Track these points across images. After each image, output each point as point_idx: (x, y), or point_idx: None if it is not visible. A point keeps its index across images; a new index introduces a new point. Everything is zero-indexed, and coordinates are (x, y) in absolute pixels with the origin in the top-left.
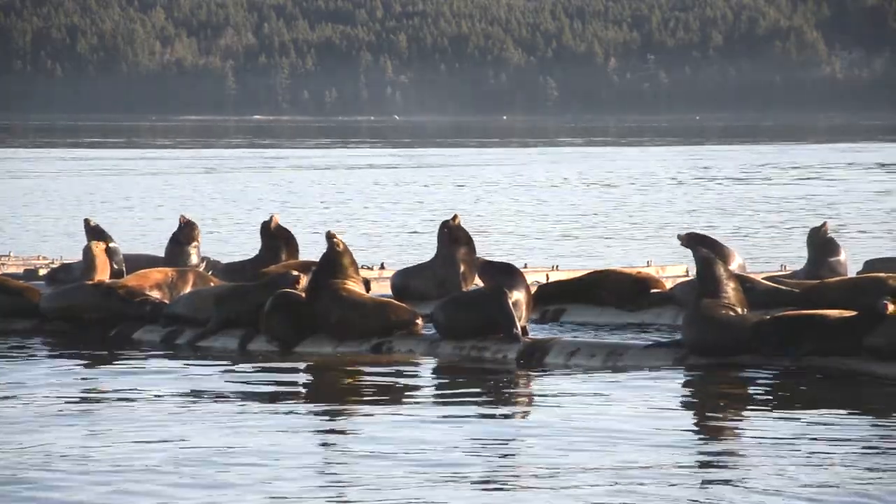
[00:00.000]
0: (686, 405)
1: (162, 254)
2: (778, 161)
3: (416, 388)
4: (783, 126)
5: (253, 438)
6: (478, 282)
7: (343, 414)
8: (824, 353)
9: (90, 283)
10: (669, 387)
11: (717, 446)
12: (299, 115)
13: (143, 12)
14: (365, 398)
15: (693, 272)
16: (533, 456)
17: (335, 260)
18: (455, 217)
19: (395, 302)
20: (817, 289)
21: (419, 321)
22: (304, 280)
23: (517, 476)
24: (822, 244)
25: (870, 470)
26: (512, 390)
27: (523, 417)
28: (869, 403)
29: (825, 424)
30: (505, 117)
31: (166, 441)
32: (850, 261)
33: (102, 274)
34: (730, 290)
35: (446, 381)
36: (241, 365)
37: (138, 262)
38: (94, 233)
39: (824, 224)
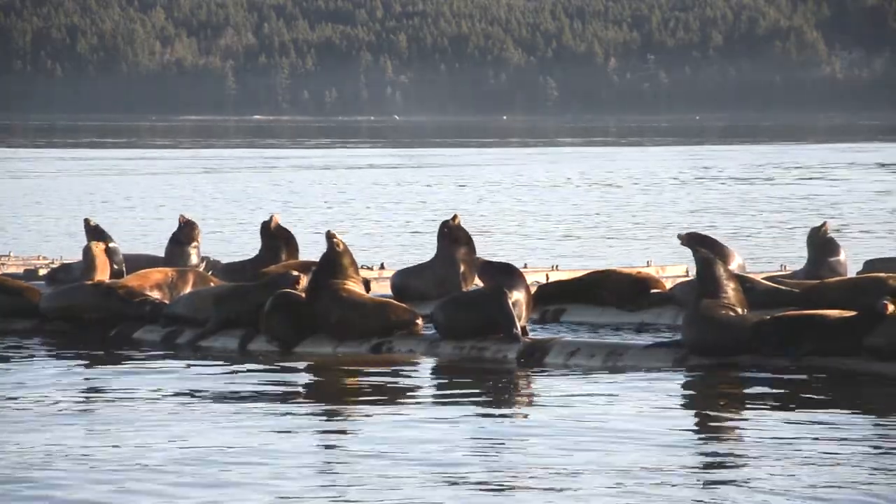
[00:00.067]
0: (686, 405)
1: (162, 254)
2: (778, 161)
3: (416, 388)
4: (783, 126)
5: (253, 438)
6: (478, 282)
7: (343, 414)
8: (824, 353)
9: (90, 283)
10: (669, 387)
11: (718, 446)
12: (299, 115)
13: (143, 12)
14: (365, 398)
15: (693, 272)
16: (533, 456)
17: (335, 260)
18: (455, 217)
19: (395, 302)
20: (817, 289)
21: (419, 321)
22: (304, 280)
23: (517, 476)
24: (822, 244)
25: (871, 470)
26: (512, 390)
27: (523, 417)
28: (869, 403)
29: (826, 424)
30: (505, 117)
31: (166, 441)
32: (850, 261)
33: (102, 274)
34: (730, 290)
35: (446, 381)
36: (241, 365)
37: (138, 262)
38: (94, 233)
39: (824, 224)
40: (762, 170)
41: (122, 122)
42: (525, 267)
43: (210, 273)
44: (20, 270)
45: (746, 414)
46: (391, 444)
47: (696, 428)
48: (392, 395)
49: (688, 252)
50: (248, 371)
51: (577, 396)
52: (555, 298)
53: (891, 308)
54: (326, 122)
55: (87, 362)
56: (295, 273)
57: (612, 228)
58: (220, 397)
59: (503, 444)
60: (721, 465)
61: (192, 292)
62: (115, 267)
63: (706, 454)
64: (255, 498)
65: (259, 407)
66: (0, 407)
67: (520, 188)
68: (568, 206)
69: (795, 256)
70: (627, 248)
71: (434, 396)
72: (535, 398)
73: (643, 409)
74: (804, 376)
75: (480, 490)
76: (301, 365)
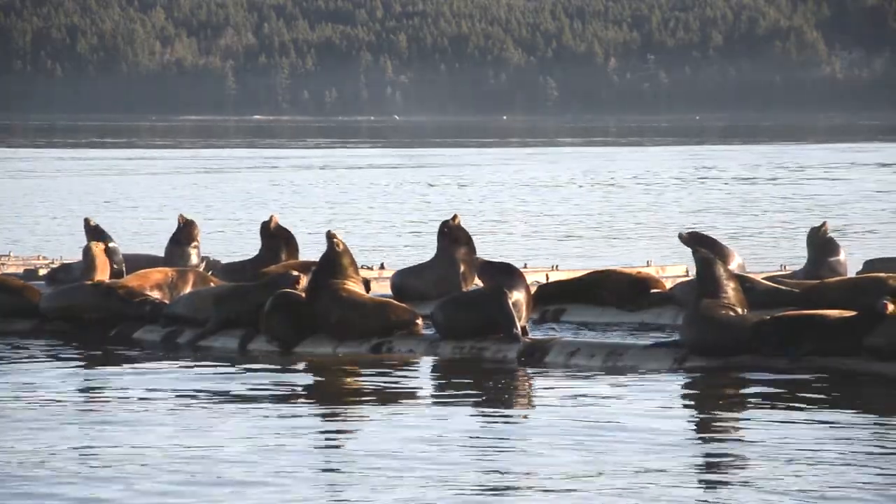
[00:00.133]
0: (686, 406)
1: (162, 254)
2: (778, 161)
3: (416, 388)
4: (783, 126)
5: (253, 438)
6: (478, 282)
7: (343, 414)
8: (824, 353)
9: (90, 283)
10: (669, 387)
11: (718, 447)
12: (299, 115)
13: (143, 12)
14: (365, 398)
15: (693, 272)
16: (533, 456)
17: (335, 260)
18: (455, 217)
19: (395, 302)
20: (817, 289)
21: (419, 321)
22: (304, 280)
23: (517, 477)
24: (822, 244)
25: (871, 470)
26: (512, 390)
27: (523, 418)
28: (869, 403)
29: (826, 424)
30: (505, 117)
31: (166, 441)
32: (850, 261)
33: (102, 274)
34: (730, 290)
35: (446, 381)
36: (241, 365)
37: (138, 262)
38: (94, 233)
39: (824, 224)
40: (762, 170)
41: (122, 122)
42: (525, 267)
43: (210, 273)
44: (20, 270)
45: (746, 414)
46: (391, 444)
47: (695, 428)
48: (392, 395)
49: (688, 252)
50: (248, 371)
51: (576, 397)
52: (555, 298)
53: (891, 308)
54: (326, 122)
55: (87, 362)
56: (295, 273)
57: (612, 228)
58: (220, 397)
59: (503, 444)
60: (721, 466)
61: (192, 292)
62: (115, 267)
63: (706, 454)
64: (255, 498)
65: (259, 407)
66: (0, 407)
67: (519, 188)
68: (568, 206)
69: (795, 256)
70: (627, 248)
71: (434, 396)
72: (535, 398)
73: (643, 410)
74: (804, 376)
75: (480, 490)
76: (301, 365)
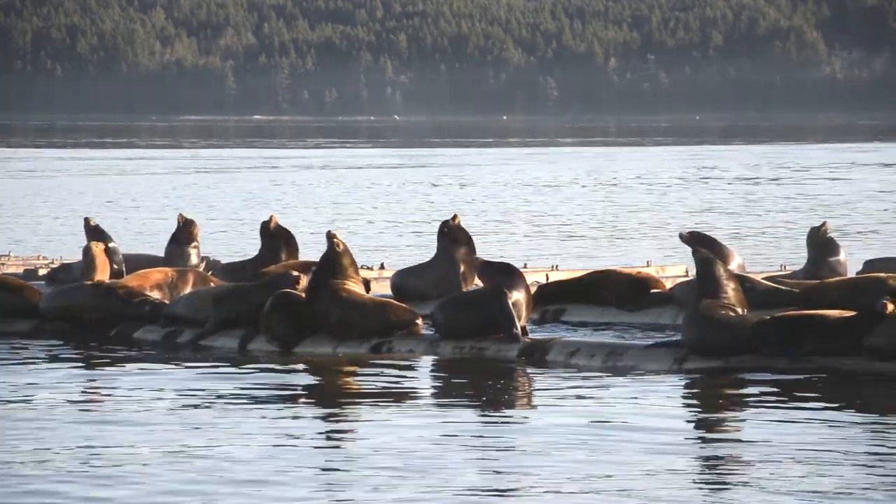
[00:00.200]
0: (686, 406)
1: (162, 254)
2: (778, 161)
3: (416, 388)
4: (783, 126)
5: (253, 438)
6: (478, 282)
7: (343, 414)
8: (824, 353)
9: (90, 283)
10: (669, 387)
11: (718, 447)
12: (299, 115)
13: (143, 12)
14: (365, 398)
15: (693, 272)
16: (533, 456)
17: (335, 260)
18: (455, 217)
19: (395, 302)
20: (817, 289)
21: (419, 321)
22: (304, 280)
23: (517, 477)
24: (822, 244)
25: (871, 470)
26: (512, 391)
27: (523, 418)
28: (869, 403)
29: (826, 424)
30: (505, 117)
31: (166, 441)
32: (850, 261)
33: (102, 274)
34: (730, 290)
35: (446, 381)
36: (241, 365)
37: (138, 262)
38: (94, 233)
39: (824, 224)
40: (762, 170)
41: (122, 122)
42: (525, 267)
43: (210, 273)
44: (20, 270)
45: (746, 414)
46: (391, 444)
47: (695, 428)
48: (392, 395)
49: (688, 252)
50: (248, 371)
51: (576, 397)
52: (555, 298)
53: (890, 308)
54: (326, 122)
55: (87, 362)
56: (295, 273)
57: (613, 228)
58: (220, 397)
59: (503, 444)
60: (721, 465)
61: (192, 292)
62: (115, 267)
63: (706, 454)
64: (255, 498)
65: (259, 407)
66: (0, 407)
67: (519, 188)
68: (568, 206)
69: (795, 256)
70: (627, 248)
71: (434, 397)
72: (534, 398)
73: (643, 410)
74: (804, 376)
75: (480, 490)
76: (301, 365)
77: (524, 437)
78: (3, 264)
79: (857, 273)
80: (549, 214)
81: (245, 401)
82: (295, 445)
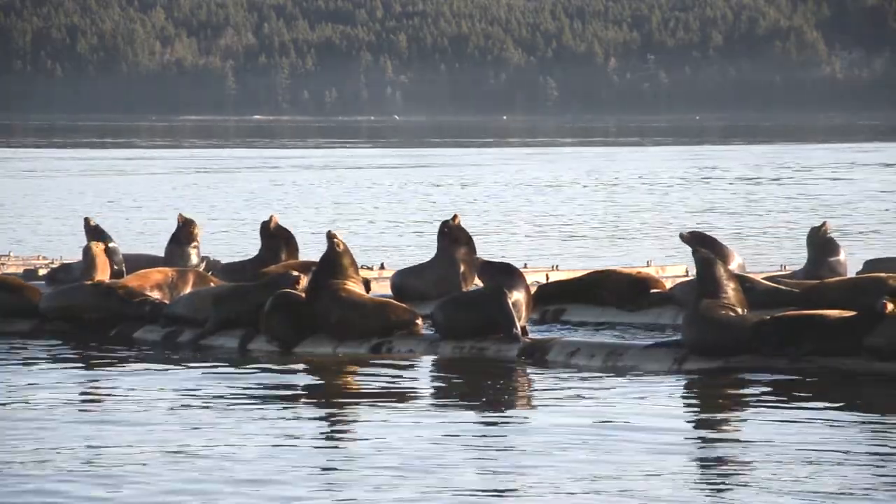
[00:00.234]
0: (686, 406)
1: (162, 254)
2: (778, 161)
3: (416, 388)
4: (783, 126)
5: (253, 439)
6: (478, 282)
7: (343, 414)
8: (824, 353)
9: (90, 283)
10: (669, 387)
11: (718, 447)
12: (299, 115)
13: (143, 12)
14: (365, 398)
15: (693, 272)
16: (533, 456)
17: (335, 260)
18: (455, 217)
19: (395, 302)
20: (817, 289)
21: (419, 321)
22: (304, 280)
23: (517, 477)
24: (822, 244)
25: (871, 470)
26: (511, 391)
27: (523, 419)
28: (869, 403)
29: (826, 424)
30: (505, 117)
31: (166, 441)
32: (850, 261)
33: (102, 274)
34: (730, 290)
35: (446, 381)
36: (241, 365)
37: (138, 262)
38: (94, 233)
39: (824, 224)
40: (762, 170)
41: (122, 122)
42: (525, 267)
43: (210, 273)
44: (20, 270)
45: (746, 414)
46: (391, 444)
47: (695, 428)
48: (392, 396)
49: (688, 252)
50: (248, 371)
51: (576, 397)
52: (555, 298)
53: (890, 308)
54: (326, 122)
55: (87, 362)
56: (295, 273)
57: (613, 228)
58: (220, 397)
59: (503, 444)
60: (721, 466)
61: (192, 292)
62: (115, 267)
63: (706, 454)
64: (255, 497)
65: (259, 407)
66: (0, 407)
67: (519, 188)
68: (568, 206)
69: (795, 256)
70: (627, 248)
71: (434, 397)
72: (534, 398)
73: (643, 410)
74: (804, 376)
75: (480, 491)
76: (301, 365)
77: (524, 437)
78: (3, 264)
79: (857, 273)
80: (549, 214)
81: (245, 401)
82: (295, 445)
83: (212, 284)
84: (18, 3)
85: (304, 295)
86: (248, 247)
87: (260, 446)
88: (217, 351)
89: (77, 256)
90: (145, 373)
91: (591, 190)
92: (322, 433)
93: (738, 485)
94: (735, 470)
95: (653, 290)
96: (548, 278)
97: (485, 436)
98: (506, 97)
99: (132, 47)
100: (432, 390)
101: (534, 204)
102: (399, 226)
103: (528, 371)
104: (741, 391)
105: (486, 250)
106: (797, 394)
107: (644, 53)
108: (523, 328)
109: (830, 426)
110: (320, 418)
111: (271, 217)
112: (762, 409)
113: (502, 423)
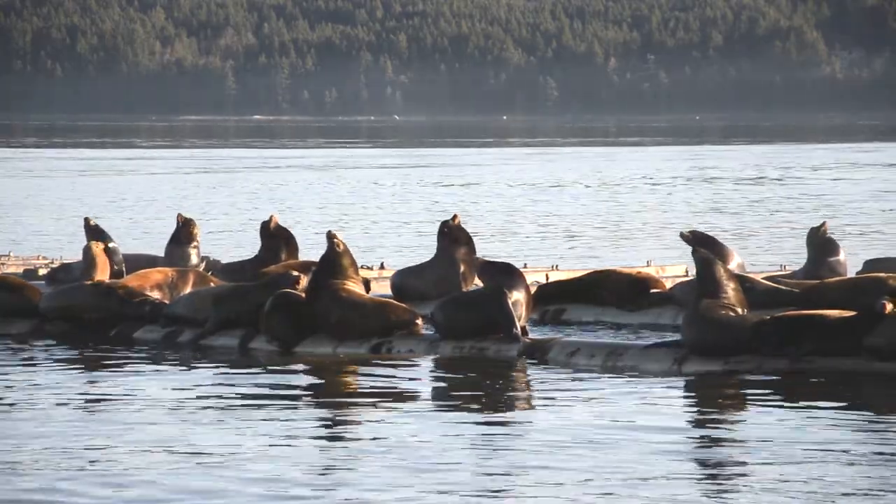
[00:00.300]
0: (686, 406)
1: (162, 254)
2: (778, 161)
3: (416, 388)
4: (783, 126)
5: (252, 439)
6: (478, 282)
7: (343, 415)
8: (824, 353)
9: (90, 283)
10: (669, 387)
11: (718, 447)
12: (299, 115)
13: (143, 12)
14: (365, 398)
15: (693, 272)
16: (532, 457)
17: (335, 260)
18: (455, 217)
19: (395, 302)
20: (817, 289)
21: (419, 321)
22: (304, 280)
23: (517, 477)
24: (821, 244)
25: (872, 470)
26: (511, 391)
27: (523, 419)
28: (869, 403)
29: (826, 425)
30: (505, 117)
31: (166, 441)
32: (850, 261)
33: (102, 274)
34: (729, 290)
35: (446, 381)
36: (241, 365)
37: (138, 262)
38: (94, 232)
39: (824, 224)
40: (762, 170)
41: (122, 122)
42: (525, 267)
43: (210, 273)
44: (20, 270)
45: (746, 414)
46: (390, 445)
47: (695, 429)
48: (392, 396)
49: (687, 252)
50: (248, 371)
51: (576, 397)
52: (555, 298)
53: (890, 308)
54: (326, 122)
55: (87, 362)
56: (295, 273)
57: (613, 228)
58: (220, 397)
59: (502, 445)
60: (721, 466)
61: (192, 292)
62: (115, 267)
63: (706, 454)
64: (254, 497)
65: (259, 407)
66: (0, 407)
67: (520, 188)
68: (568, 205)
69: (796, 256)
70: (627, 248)
71: (434, 397)
72: (534, 398)
73: (643, 410)
74: (804, 376)
75: (480, 491)
76: (301, 365)
77: (524, 437)
78: (3, 264)
79: (857, 273)
80: (549, 214)
81: (245, 401)
82: (295, 445)
83: (212, 284)
84: (18, 3)
85: (304, 295)
86: (248, 247)
87: (259, 446)
88: (217, 351)
89: (77, 256)
90: (145, 373)
91: (591, 190)
92: (322, 433)
93: (737, 485)
94: (735, 470)
95: (653, 290)
96: (548, 278)
97: (485, 436)
98: (506, 97)
99: (132, 47)
100: (432, 390)
101: (534, 204)
102: (399, 226)
103: (528, 371)
104: (741, 391)
105: (486, 250)
106: (797, 394)
107: (644, 53)
108: (523, 328)
109: (830, 426)
110: (320, 418)
111: (271, 217)
112: (762, 409)
113: (502, 423)
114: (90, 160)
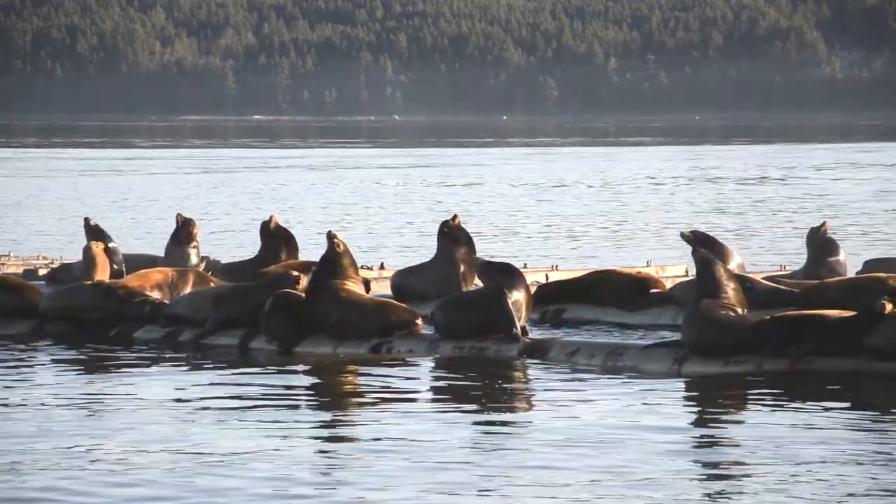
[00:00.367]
0: (686, 406)
1: (162, 254)
2: (778, 161)
3: (416, 388)
4: (783, 126)
5: (252, 439)
6: (478, 282)
7: (343, 415)
8: (824, 353)
9: (90, 283)
10: (669, 387)
11: (718, 447)
12: (299, 115)
13: (143, 12)
14: (365, 398)
15: (693, 272)
16: (532, 457)
17: (335, 260)
18: (455, 217)
19: (395, 302)
20: (817, 289)
21: (419, 321)
22: (304, 280)
23: (516, 479)
24: (821, 244)
25: (872, 470)
26: (511, 391)
27: (523, 419)
28: (869, 403)
29: (826, 425)
30: (505, 117)
31: (166, 441)
32: (851, 261)
33: (102, 274)
34: (729, 290)
35: (446, 381)
36: (241, 365)
37: (138, 262)
38: (94, 232)
39: (824, 224)
40: (762, 170)
41: (122, 122)
42: (525, 267)
43: (210, 273)
44: (20, 270)
45: (746, 414)
46: (390, 445)
47: (695, 429)
48: (392, 396)
49: (687, 252)
50: (248, 371)
51: (576, 397)
52: (555, 298)
53: (890, 308)
54: (326, 122)
55: (87, 362)
56: (295, 273)
57: (613, 228)
58: (220, 398)
59: (502, 445)
60: (720, 466)
61: (192, 292)
62: (115, 267)
63: (706, 454)
64: (254, 497)
65: (259, 407)
66: (0, 407)
67: (521, 188)
68: (568, 205)
69: (796, 256)
70: (627, 248)
71: (434, 397)
72: (534, 399)
73: (643, 410)
74: (804, 376)
75: (478, 492)
76: (301, 365)
77: (524, 437)
78: (3, 264)
79: (857, 273)
80: (549, 214)
81: (245, 400)
82: (294, 445)
83: (212, 284)
84: (18, 3)
85: (304, 295)
86: (248, 247)
87: (259, 446)
88: (217, 351)
89: (77, 256)
90: (146, 373)
91: (592, 190)
92: (322, 433)
93: (738, 485)
94: (735, 470)
95: (653, 290)
96: (548, 278)
97: (484, 436)
98: (506, 97)
99: (132, 47)
100: (432, 390)
101: (536, 204)
102: (399, 226)
103: (529, 371)
104: (741, 391)
105: (486, 250)
106: (797, 394)
107: (644, 53)
108: (523, 328)
109: (830, 426)
110: (320, 418)
111: (271, 217)
112: (762, 409)
113: (502, 423)
114: (90, 160)
